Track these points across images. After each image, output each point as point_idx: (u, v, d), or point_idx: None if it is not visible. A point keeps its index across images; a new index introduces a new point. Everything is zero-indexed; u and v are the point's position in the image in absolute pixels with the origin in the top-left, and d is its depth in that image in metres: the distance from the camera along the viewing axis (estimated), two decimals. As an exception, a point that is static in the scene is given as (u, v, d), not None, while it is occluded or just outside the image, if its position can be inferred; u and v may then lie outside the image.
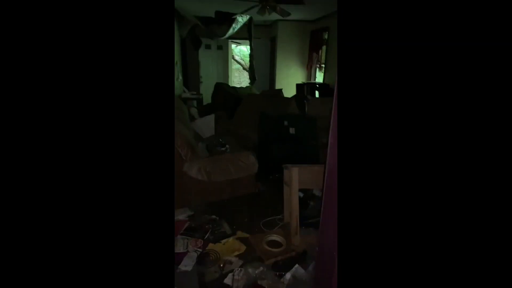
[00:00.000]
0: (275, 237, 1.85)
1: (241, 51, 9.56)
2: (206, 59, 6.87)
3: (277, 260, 1.69)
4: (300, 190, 1.81)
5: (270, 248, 1.77)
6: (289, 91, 5.89)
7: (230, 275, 1.61)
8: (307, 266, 1.62)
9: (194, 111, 3.78)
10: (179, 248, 1.82)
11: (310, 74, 6.45)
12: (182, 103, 3.59)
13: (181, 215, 2.15)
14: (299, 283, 1.51)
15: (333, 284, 0.92)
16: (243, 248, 1.79)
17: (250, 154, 2.39)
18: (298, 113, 3.31)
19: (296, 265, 1.61)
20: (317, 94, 5.39)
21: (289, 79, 6.51)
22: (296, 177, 1.74)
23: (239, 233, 1.93)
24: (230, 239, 1.87)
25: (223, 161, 2.35)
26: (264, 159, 2.50)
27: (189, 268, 1.66)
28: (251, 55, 5.37)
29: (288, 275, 1.56)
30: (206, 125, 3.25)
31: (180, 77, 5.17)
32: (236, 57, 9.43)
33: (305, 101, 3.50)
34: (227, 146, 2.63)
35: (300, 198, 1.84)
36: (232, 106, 3.85)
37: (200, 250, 1.79)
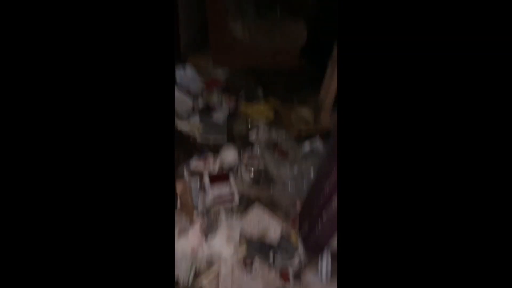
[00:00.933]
0: (304, 112, 1.87)
1: None
2: None
3: (300, 132, 1.77)
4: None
5: (297, 120, 1.82)
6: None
7: (254, 131, 1.75)
8: (326, 142, 1.69)
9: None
10: (213, 102, 1.94)
11: None
12: None
13: (219, 74, 2.19)
14: (314, 154, 1.62)
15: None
16: (271, 114, 1.87)
17: (303, 23, 2.12)
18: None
19: (317, 136, 1.68)
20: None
21: None
22: (344, 54, 1.56)
23: (271, 100, 1.96)
24: (262, 103, 1.93)
25: (270, 25, 2.14)
26: (316, 33, 2.23)
27: (219, 121, 1.82)
28: None
29: (307, 145, 1.66)
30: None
31: None
32: None
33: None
34: (278, 8, 2.33)
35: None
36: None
37: (233, 108, 1.91)
